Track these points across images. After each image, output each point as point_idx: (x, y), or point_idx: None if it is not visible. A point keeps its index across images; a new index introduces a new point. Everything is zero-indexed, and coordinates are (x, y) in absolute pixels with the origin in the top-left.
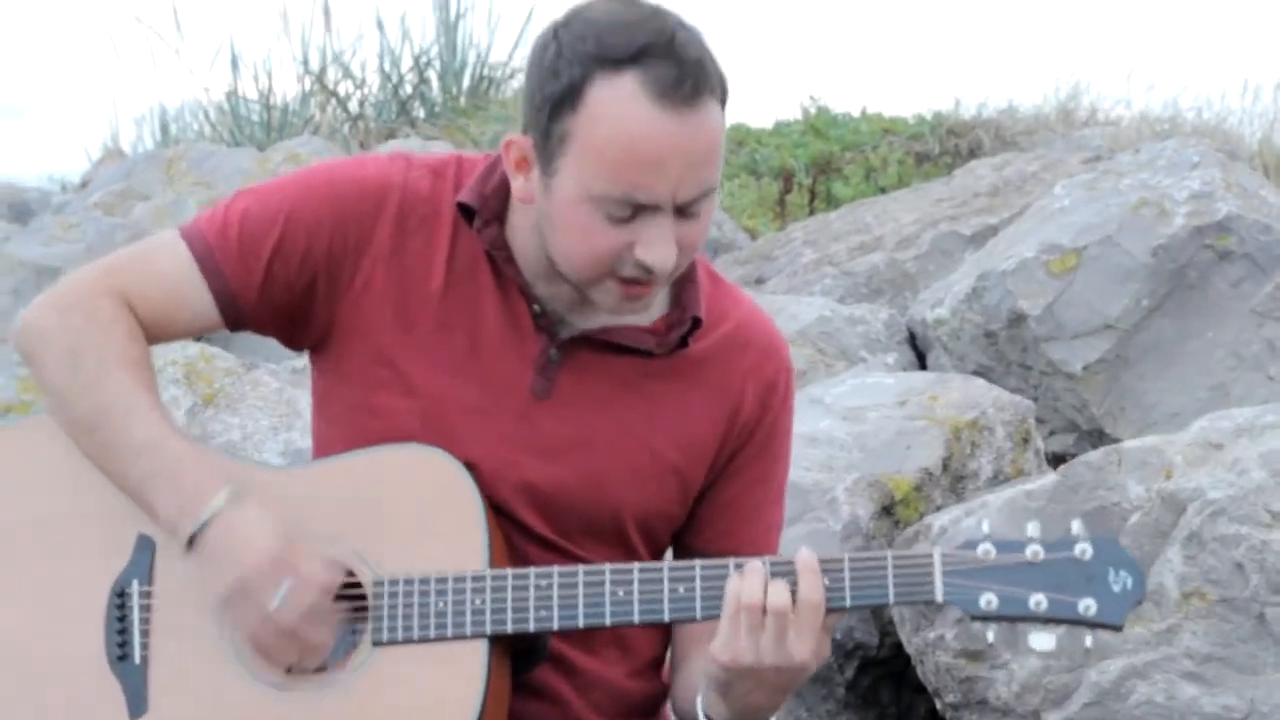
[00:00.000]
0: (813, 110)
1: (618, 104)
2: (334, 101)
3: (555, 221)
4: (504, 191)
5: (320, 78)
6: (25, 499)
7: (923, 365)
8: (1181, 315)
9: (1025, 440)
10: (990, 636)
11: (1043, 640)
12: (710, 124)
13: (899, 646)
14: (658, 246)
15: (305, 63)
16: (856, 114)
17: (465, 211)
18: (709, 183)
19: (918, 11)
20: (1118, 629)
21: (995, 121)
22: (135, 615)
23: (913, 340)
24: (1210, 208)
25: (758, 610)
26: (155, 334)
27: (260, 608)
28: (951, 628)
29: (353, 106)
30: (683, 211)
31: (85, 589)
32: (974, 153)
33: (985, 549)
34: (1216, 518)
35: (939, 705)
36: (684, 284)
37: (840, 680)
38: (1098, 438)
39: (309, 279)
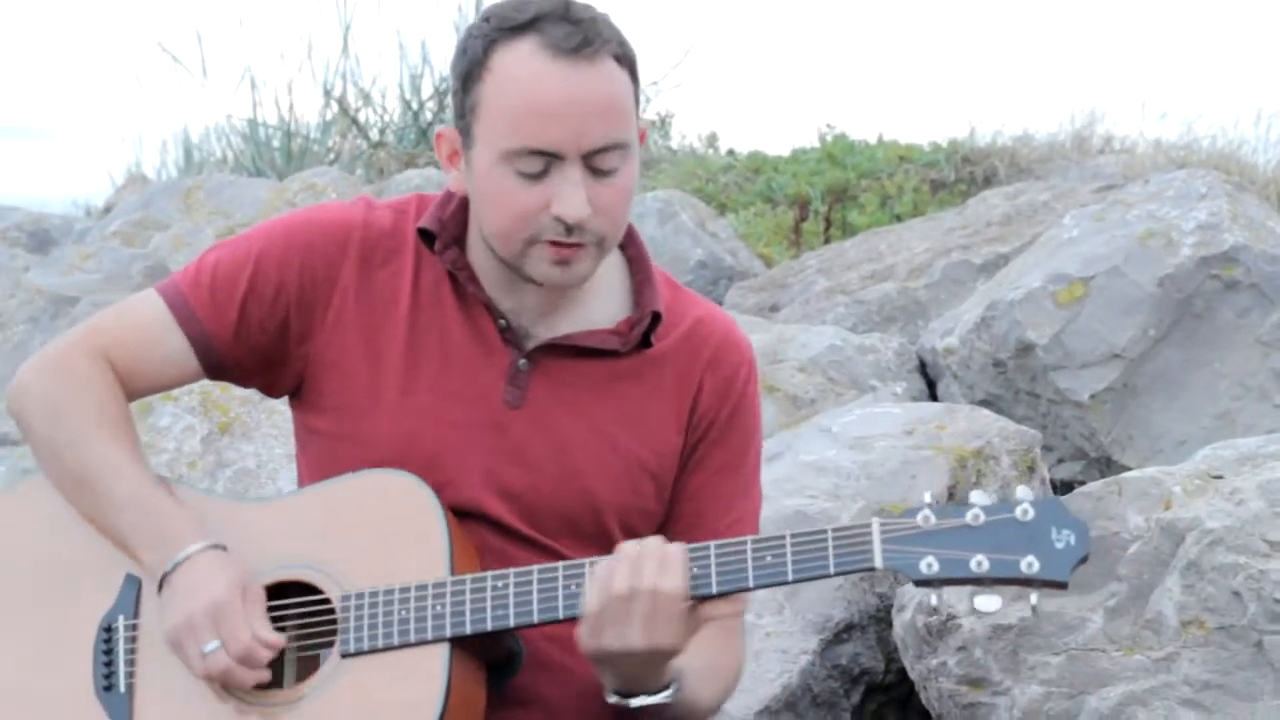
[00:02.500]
0: (829, 137)
1: (517, 64)
2: (355, 128)
3: (479, 194)
4: (461, 215)
5: (341, 104)
6: (25, 548)
7: (933, 394)
8: (1188, 345)
9: (1031, 469)
10: (934, 600)
11: (988, 602)
12: (608, 76)
13: (904, 672)
14: (568, 198)
15: (327, 89)
16: (873, 141)
17: (426, 236)
18: (614, 137)
19: (934, 39)
20: (1062, 585)
21: (1010, 149)
22: (121, 647)
23: (923, 369)
24: (1217, 238)
25: (622, 598)
26: (135, 386)
27: (195, 651)
28: (954, 654)
29: (373, 133)
30: (593, 168)
31: (75, 626)
32: (989, 180)
33: (925, 515)
34: (1214, 547)
35: None
36: (642, 285)
37: (846, 706)
38: (1105, 465)
39: (282, 318)
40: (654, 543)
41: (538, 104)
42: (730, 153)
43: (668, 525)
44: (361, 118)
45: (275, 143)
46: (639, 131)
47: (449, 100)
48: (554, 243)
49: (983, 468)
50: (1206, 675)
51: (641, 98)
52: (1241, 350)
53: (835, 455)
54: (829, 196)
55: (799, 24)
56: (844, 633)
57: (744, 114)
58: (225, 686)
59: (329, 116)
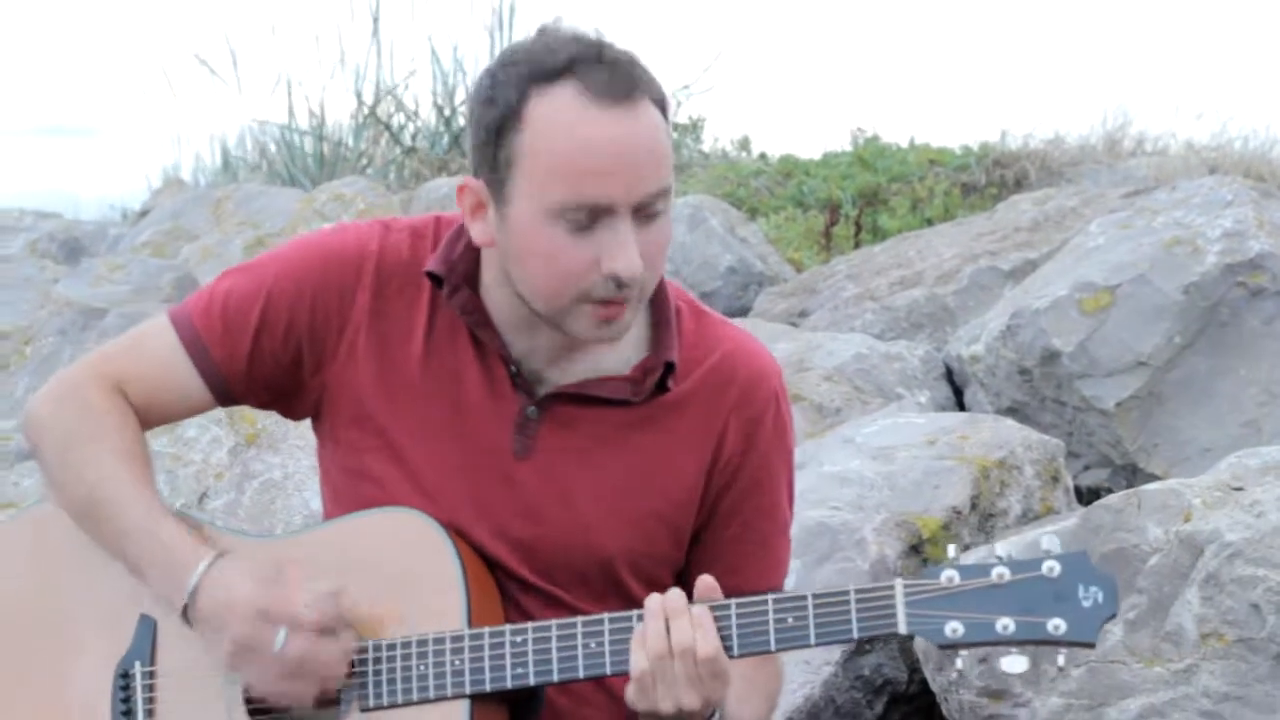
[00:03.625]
0: (861, 140)
1: (557, 112)
2: (387, 134)
3: (518, 252)
4: (473, 253)
5: (374, 110)
6: (38, 586)
7: (960, 401)
8: (1214, 352)
9: (1055, 479)
10: (959, 663)
11: (1015, 663)
12: (650, 120)
13: (927, 682)
14: (622, 253)
15: (359, 95)
16: (904, 144)
17: (434, 279)
18: (661, 181)
19: (966, 42)
20: (1090, 646)
21: (1041, 152)
22: (139, 695)
23: (949, 376)
24: (1243, 246)
25: (663, 657)
26: (149, 417)
27: (265, 655)
28: (974, 666)
29: (406, 139)
30: (641, 213)
31: (92, 672)
32: (1020, 183)
33: (949, 575)
34: (1234, 560)
35: None
36: (659, 327)
37: (869, 717)
38: (1131, 473)
39: (294, 351)
40: (677, 599)
41: (587, 155)
42: (762, 156)
43: (700, 574)
44: (394, 123)
45: (308, 148)
46: None
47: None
48: (602, 301)
49: (1006, 478)
50: (1226, 687)
51: (672, 103)
52: (1268, 358)
53: (859, 466)
54: (860, 200)
55: (831, 27)
56: (866, 643)
57: (776, 117)
58: (322, 684)
59: (361, 121)
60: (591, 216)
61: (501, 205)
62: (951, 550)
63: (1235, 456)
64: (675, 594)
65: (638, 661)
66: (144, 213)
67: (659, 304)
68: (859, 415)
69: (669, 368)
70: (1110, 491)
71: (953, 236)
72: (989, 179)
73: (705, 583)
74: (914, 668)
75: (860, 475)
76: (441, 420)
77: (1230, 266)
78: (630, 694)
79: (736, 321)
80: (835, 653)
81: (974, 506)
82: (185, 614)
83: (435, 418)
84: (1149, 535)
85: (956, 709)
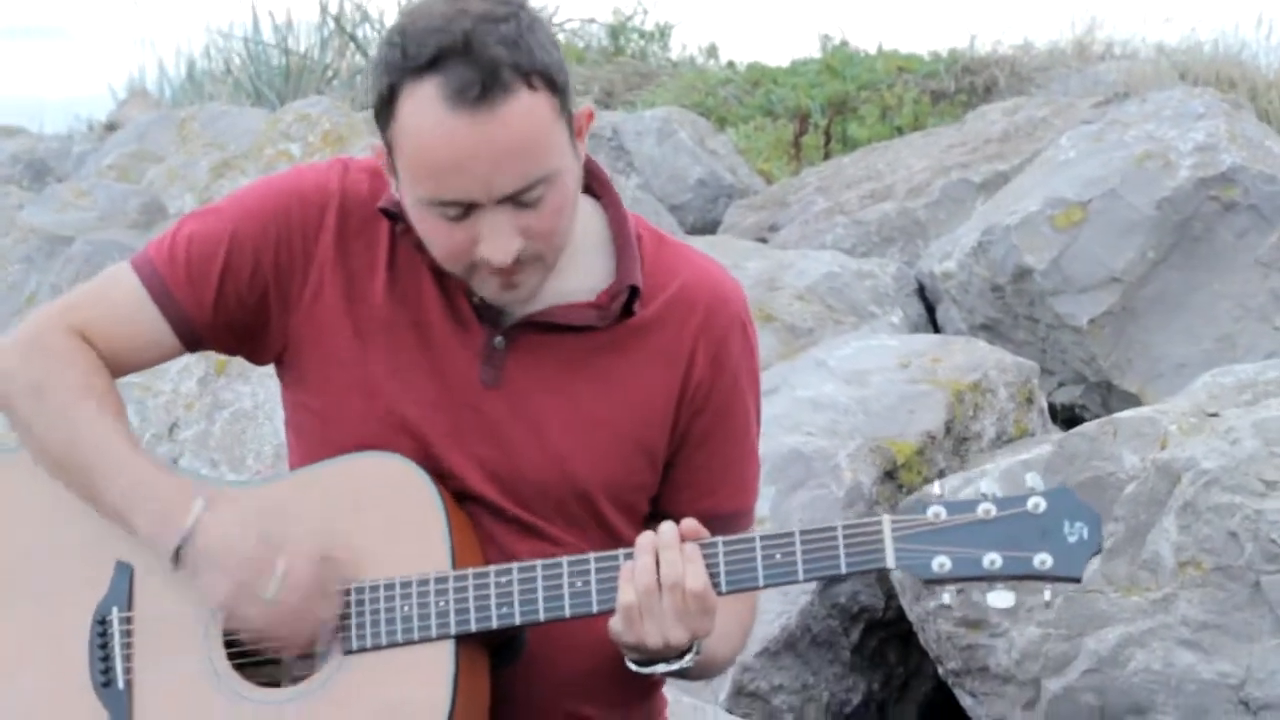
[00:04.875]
0: (829, 47)
1: (418, 112)
2: (353, 46)
3: (411, 220)
4: None
5: (338, 20)
6: (5, 535)
7: (932, 318)
8: (1187, 267)
9: (1029, 400)
10: (947, 598)
11: (1002, 598)
12: (516, 118)
13: (904, 610)
14: (492, 241)
15: (323, 6)
16: (873, 51)
17: (390, 216)
18: (532, 174)
19: None
20: (1076, 580)
21: (1010, 58)
22: (117, 641)
23: (922, 293)
24: (1215, 159)
25: (651, 592)
26: (116, 365)
27: (258, 601)
28: (952, 597)
29: (371, 50)
30: (517, 203)
31: (68, 620)
32: (989, 90)
33: (936, 511)
34: (1210, 487)
35: (941, 671)
36: (622, 253)
37: (846, 644)
38: (1105, 390)
39: (260, 293)
40: (669, 534)
41: (436, 160)
42: (730, 64)
43: (673, 498)
44: (360, 35)
45: (274, 61)
46: (580, 122)
47: None
48: (494, 270)
49: (980, 401)
50: (1204, 616)
51: (638, 12)
52: (1241, 272)
53: (832, 390)
54: (829, 109)
55: None
56: None
57: (744, 23)
58: (310, 635)
59: (326, 36)
60: (463, 209)
61: (394, 178)
62: (937, 486)
63: (1210, 375)
64: (667, 527)
65: (625, 595)
66: (110, 126)
67: (620, 231)
68: (832, 335)
69: (634, 291)
70: (1084, 409)
71: (923, 148)
72: (958, 86)
73: (689, 525)
74: (890, 595)
75: (833, 400)
76: (411, 355)
77: (1203, 180)
78: (615, 626)
79: (706, 238)
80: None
81: (948, 431)
82: (177, 556)
83: (404, 352)
84: (1125, 463)
85: (934, 638)
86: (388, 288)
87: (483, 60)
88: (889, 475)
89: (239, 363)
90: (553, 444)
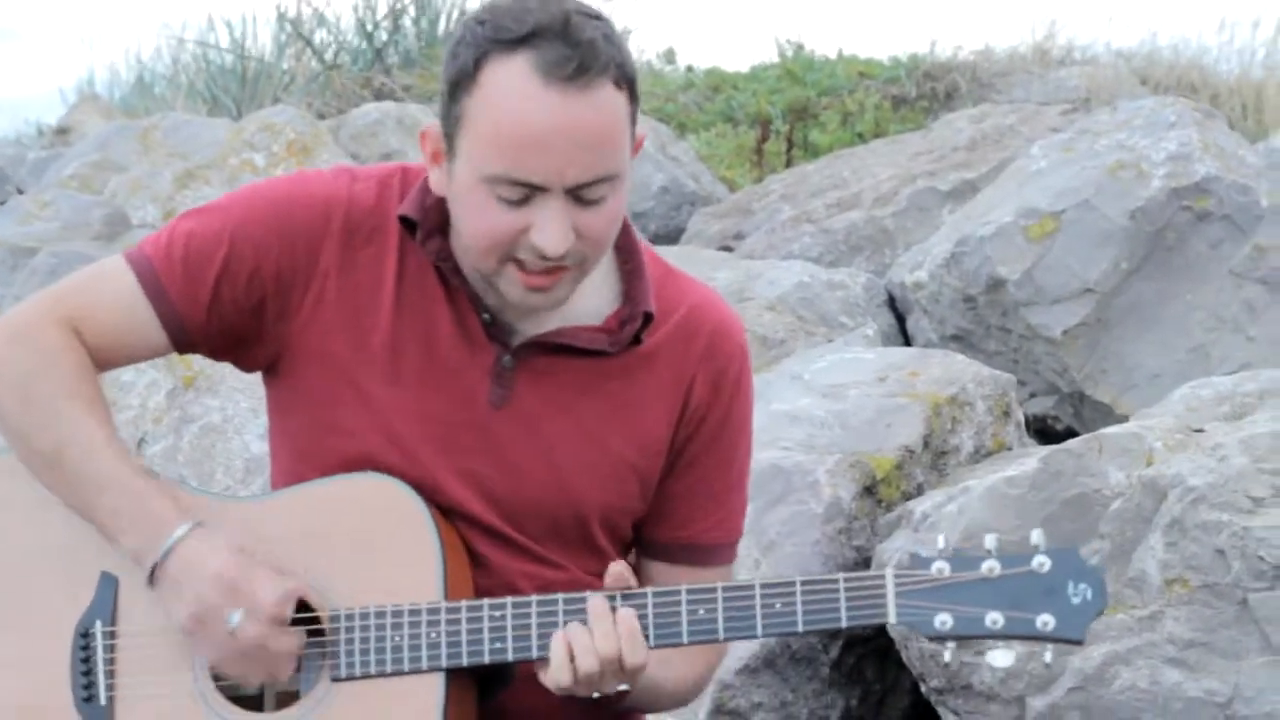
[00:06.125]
0: (789, 52)
1: (506, 83)
2: (309, 50)
3: (457, 203)
4: (443, 202)
5: (294, 24)
6: None
7: (903, 328)
8: (1161, 278)
9: (1006, 413)
10: (947, 656)
11: (1002, 657)
12: (602, 105)
13: (883, 625)
14: (549, 229)
15: (279, 8)
16: (833, 56)
17: (408, 224)
18: (604, 169)
19: None
20: (1078, 643)
21: (971, 64)
22: (100, 656)
23: (892, 303)
24: (1188, 169)
25: (592, 677)
26: (104, 360)
27: (219, 631)
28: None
29: (328, 55)
30: (578, 197)
31: (50, 631)
32: (950, 95)
33: (939, 567)
34: (1197, 504)
35: (924, 689)
36: (632, 279)
37: (825, 660)
38: (1078, 401)
39: (257, 299)
40: (627, 620)
41: (523, 133)
42: (689, 69)
43: (656, 524)
44: (316, 40)
45: (228, 65)
46: (635, 143)
47: (403, 22)
48: (527, 270)
49: (958, 414)
50: (1190, 634)
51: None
52: (1214, 282)
53: (809, 404)
54: (790, 115)
55: None
56: None
57: (701, 27)
58: (268, 673)
59: (283, 41)
60: (524, 192)
61: (450, 159)
62: (941, 541)
63: (1188, 387)
64: (596, 602)
65: (560, 676)
66: (60, 130)
67: (631, 256)
68: (804, 347)
69: (647, 318)
70: (1056, 420)
71: (889, 156)
72: (920, 91)
73: (615, 573)
74: None
75: (810, 414)
76: (414, 370)
77: (1176, 190)
78: (545, 680)
79: (672, 247)
80: None
81: (926, 445)
82: (152, 574)
83: (408, 368)
84: (1110, 479)
85: (917, 656)
86: (394, 300)
87: (581, 40)
88: (868, 490)
89: (207, 376)
90: (558, 466)
